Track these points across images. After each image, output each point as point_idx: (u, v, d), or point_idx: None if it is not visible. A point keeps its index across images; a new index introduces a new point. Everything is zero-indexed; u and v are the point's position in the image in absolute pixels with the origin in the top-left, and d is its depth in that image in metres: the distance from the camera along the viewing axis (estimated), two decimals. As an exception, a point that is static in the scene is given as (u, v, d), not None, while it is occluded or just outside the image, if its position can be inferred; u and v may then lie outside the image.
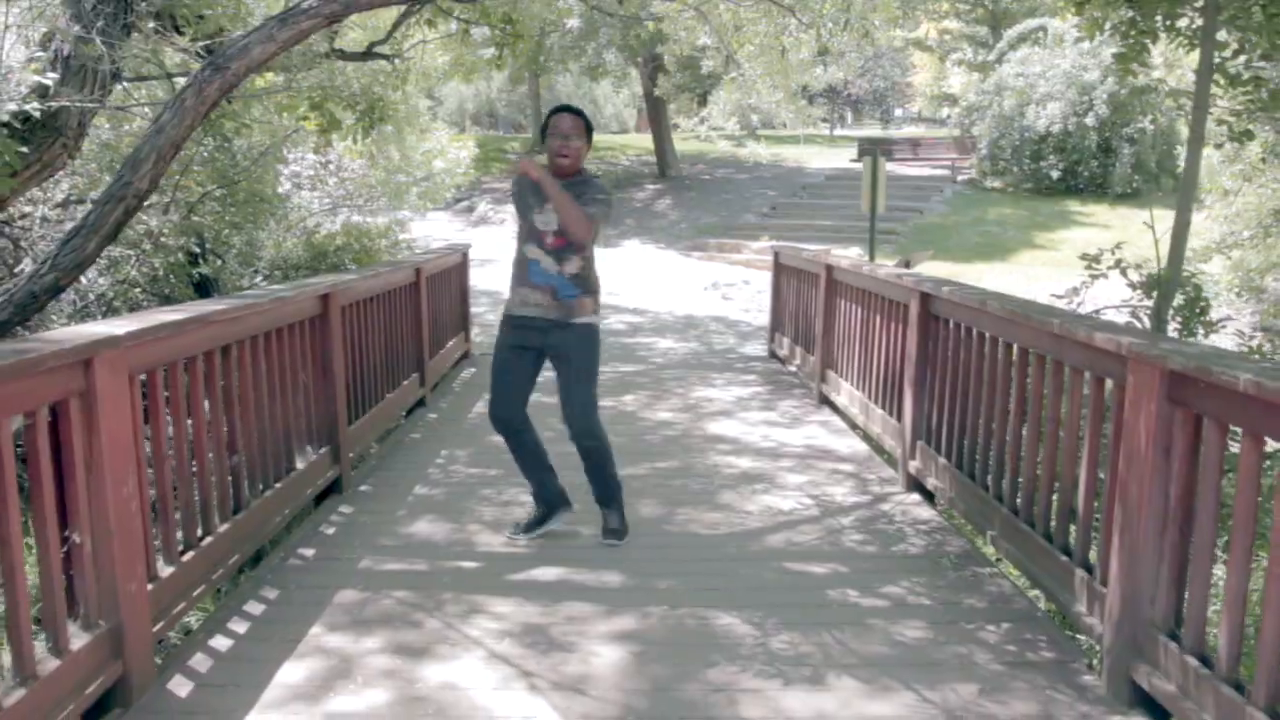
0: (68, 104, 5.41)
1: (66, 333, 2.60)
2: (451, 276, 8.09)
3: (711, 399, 7.04)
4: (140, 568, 2.72)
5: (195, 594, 3.11)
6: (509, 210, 22.69)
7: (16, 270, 7.04)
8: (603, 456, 3.99)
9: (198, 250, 8.10)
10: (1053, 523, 3.38)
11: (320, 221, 10.48)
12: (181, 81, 7.39)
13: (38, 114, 5.24)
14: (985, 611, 3.37)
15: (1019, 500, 3.64)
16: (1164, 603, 2.67)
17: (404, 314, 6.27)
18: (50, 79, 5.39)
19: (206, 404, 3.29)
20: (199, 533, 3.22)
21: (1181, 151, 11.13)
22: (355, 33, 9.90)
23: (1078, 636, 3.34)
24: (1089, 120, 21.06)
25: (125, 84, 6.61)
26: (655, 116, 25.57)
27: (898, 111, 52.67)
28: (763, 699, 2.75)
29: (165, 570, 2.95)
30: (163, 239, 7.58)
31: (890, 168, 19.54)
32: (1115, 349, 2.84)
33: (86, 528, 2.52)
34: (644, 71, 23.84)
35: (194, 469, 3.21)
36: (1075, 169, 21.95)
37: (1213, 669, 2.42)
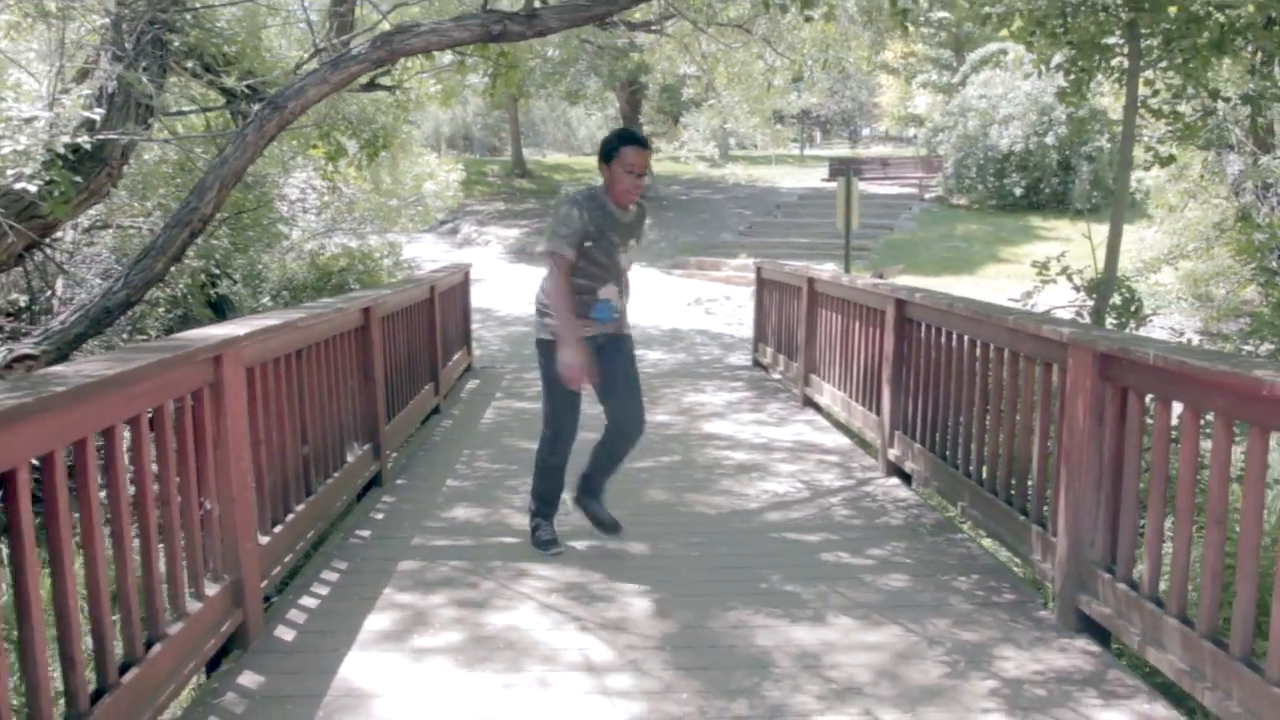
0: (115, 137, 5.93)
1: (198, 334, 3.13)
2: (457, 294, 8.63)
3: (703, 403, 7.61)
4: (253, 532, 3.24)
5: (286, 560, 3.63)
6: (493, 232, 23.27)
7: (54, 285, 7.51)
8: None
9: (216, 272, 8.58)
10: (1013, 490, 3.98)
11: (323, 244, 10.95)
12: (212, 114, 7.94)
13: (88, 146, 5.76)
14: (957, 566, 3.96)
15: (984, 473, 4.23)
16: (1101, 543, 3.26)
17: (422, 327, 6.80)
18: (97, 114, 5.92)
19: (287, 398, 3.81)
20: (284, 509, 3.74)
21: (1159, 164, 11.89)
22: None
23: (1035, 583, 3.92)
24: (1049, 139, 21.97)
25: (163, 117, 7.09)
26: (632, 139, 26.17)
27: (865, 131, 53.76)
28: (774, 633, 3.30)
29: (263, 539, 3.47)
30: (185, 261, 8.05)
31: (861, 186, 20.28)
32: (1058, 338, 3.44)
33: (214, 496, 3.04)
34: (621, 96, 24.53)
35: (281, 454, 3.73)
36: (1037, 186, 22.86)
37: (1139, 591, 3.01)
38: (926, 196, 25.59)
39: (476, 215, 24.36)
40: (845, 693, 2.89)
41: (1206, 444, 2.88)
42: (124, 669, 2.44)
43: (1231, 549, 2.66)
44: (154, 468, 2.70)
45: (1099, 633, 3.26)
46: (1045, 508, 3.69)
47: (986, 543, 4.47)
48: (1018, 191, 22.91)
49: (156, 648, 2.59)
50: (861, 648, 3.20)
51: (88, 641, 2.39)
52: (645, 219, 4.01)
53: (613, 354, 3.97)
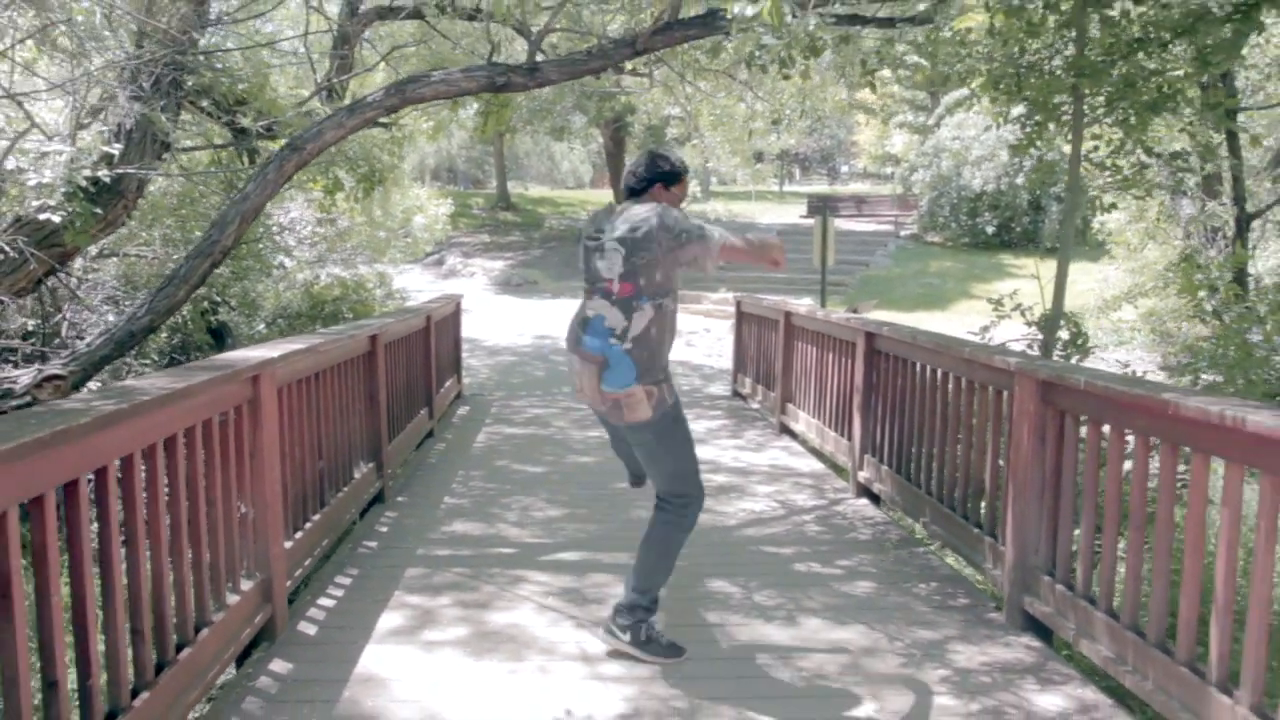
0: (133, 171, 6.29)
1: (237, 355, 3.48)
2: (449, 323, 8.98)
3: (685, 430, 7.97)
4: (281, 536, 3.58)
5: (305, 564, 3.96)
6: (478, 264, 23.64)
7: (62, 309, 7.81)
8: None
9: (217, 300, 8.91)
10: (968, 505, 4.36)
11: (316, 274, 11.31)
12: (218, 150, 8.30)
13: (107, 179, 6.11)
14: (917, 575, 4.33)
15: (944, 491, 4.62)
16: (1043, 550, 3.64)
17: (419, 355, 7.15)
18: (116, 148, 6.29)
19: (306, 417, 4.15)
20: (303, 518, 4.07)
21: (1115, 209, 12.45)
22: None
23: (990, 592, 4.30)
24: (1020, 180, 22.67)
25: (175, 152, 7.45)
26: (616, 173, 26.79)
27: (844, 168, 54.78)
28: (751, 629, 3.66)
29: (287, 544, 3.79)
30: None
31: (838, 223, 20.85)
32: (1006, 367, 3.85)
33: (250, 501, 3.38)
34: (606, 133, 25.10)
35: (301, 468, 4.06)
36: (1008, 225, 23.55)
37: (1074, 591, 3.40)
38: (902, 234, 26.25)
39: (462, 247, 24.76)
40: (816, 680, 3.25)
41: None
42: (178, 649, 2.77)
43: (1171, 553, 3.05)
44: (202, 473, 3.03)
45: (1042, 631, 3.63)
46: (996, 521, 4.08)
47: (950, 560, 4.85)
48: (990, 230, 23.59)
49: (204, 632, 2.92)
50: (829, 644, 3.56)
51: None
52: None
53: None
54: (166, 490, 2.72)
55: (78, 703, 2.25)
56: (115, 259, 8.61)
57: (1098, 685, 3.21)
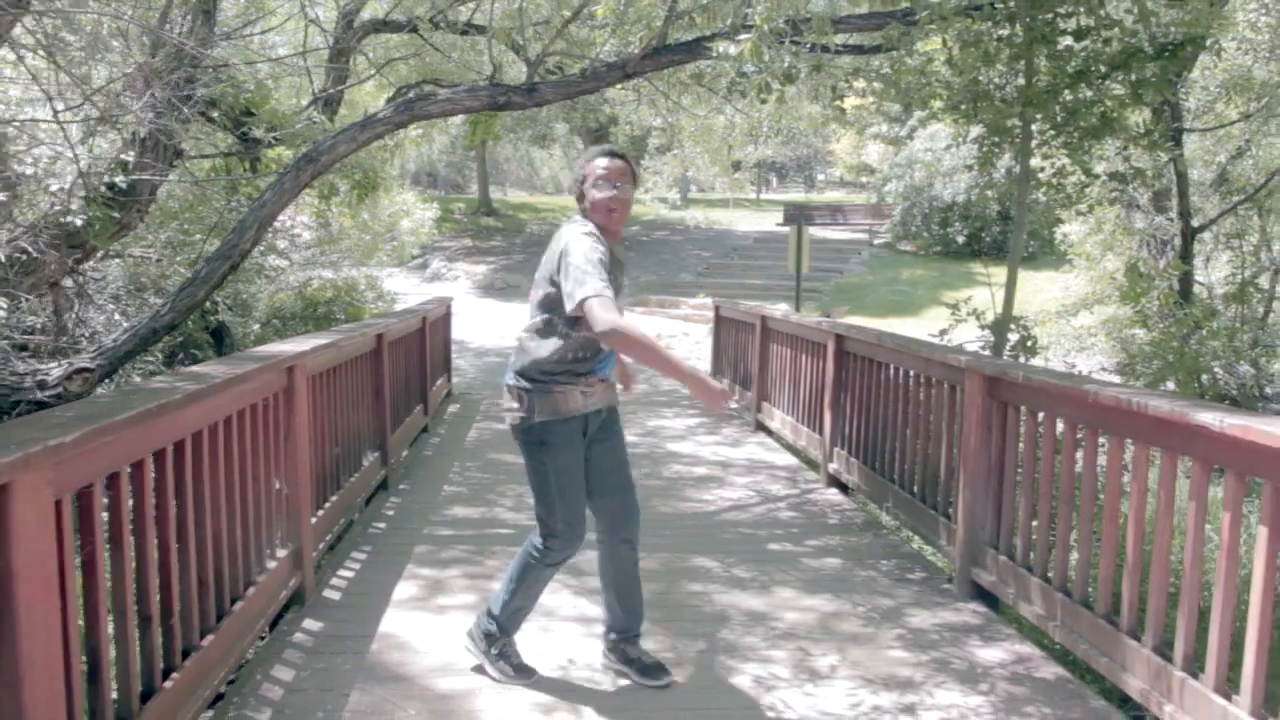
0: (147, 178, 6.66)
1: (274, 348, 3.88)
2: (441, 325, 9.38)
3: (665, 427, 8.43)
4: (309, 511, 3.98)
5: (327, 538, 4.36)
6: (461, 268, 23.98)
7: (73, 307, 8.14)
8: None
9: (216, 300, 9.24)
10: (926, 490, 4.83)
11: (308, 276, 11.66)
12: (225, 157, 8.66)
13: (123, 185, 6.48)
14: (881, 553, 4.79)
15: (905, 479, 5.08)
16: (989, 526, 4.11)
17: (415, 353, 7.55)
18: (130, 156, 6.65)
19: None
20: (324, 497, 4.47)
21: (1064, 224, 13.04)
22: (346, 110, 11.25)
23: (945, 570, 4.77)
24: (990, 192, 23.30)
25: (185, 160, 7.82)
26: (596, 181, 27.18)
27: (820, 176, 55.49)
28: (729, 597, 4.10)
29: (313, 519, 4.20)
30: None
31: (813, 231, 21.42)
32: (958, 364, 4.32)
33: (285, 479, 3.78)
34: (588, 141, 25.53)
35: (323, 452, 4.47)
36: (979, 234, 24.18)
37: (1015, 560, 3.86)
38: (875, 242, 26.86)
39: (445, 251, 25.11)
40: (785, 637, 3.69)
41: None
42: (232, 602, 3.17)
43: (1092, 522, 3.52)
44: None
45: (989, 599, 4.10)
46: (950, 503, 4.54)
47: (911, 542, 5.31)
48: (960, 239, 24.22)
49: (251, 589, 3.32)
50: (799, 609, 4.01)
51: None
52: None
53: (610, 432, 3.34)
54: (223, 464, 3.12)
55: (161, 639, 2.65)
56: (119, 260, 8.93)
57: (1034, 643, 3.68)
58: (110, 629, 2.38)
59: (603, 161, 3.10)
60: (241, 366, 3.19)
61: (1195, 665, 2.81)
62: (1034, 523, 3.79)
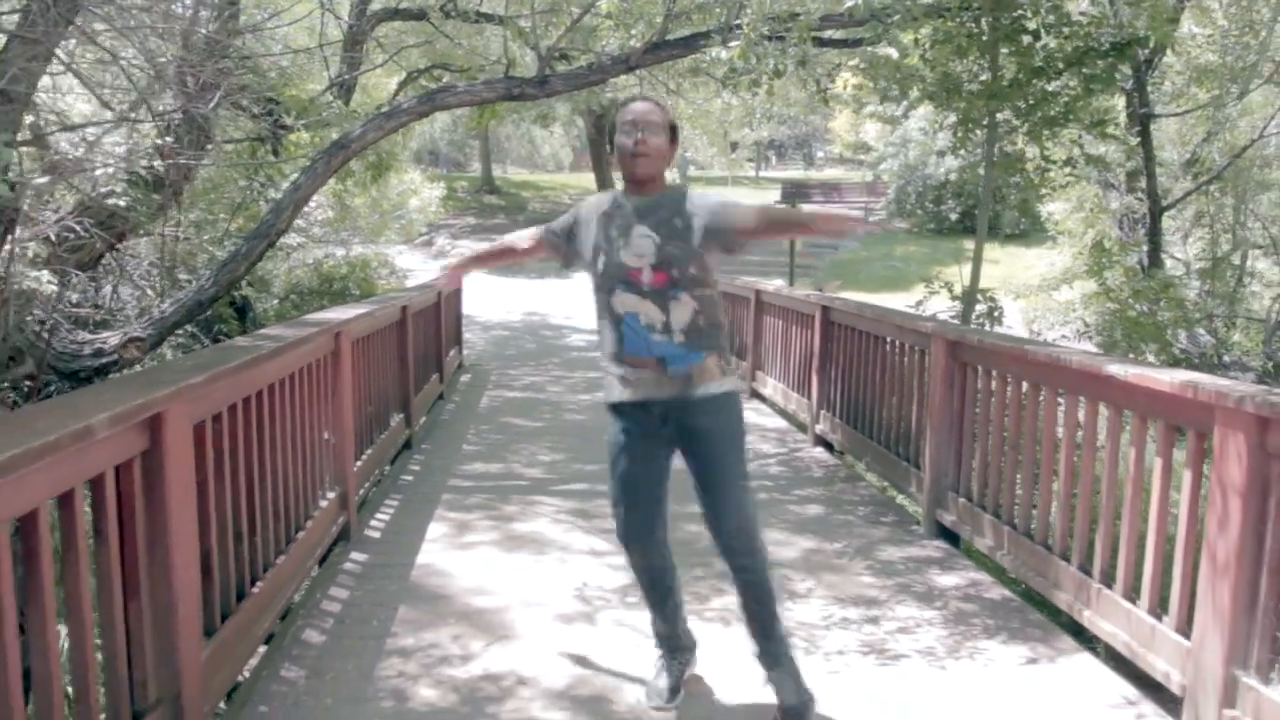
0: (183, 161, 7.17)
1: (320, 317, 4.42)
2: (454, 299, 9.91)
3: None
4: (352, 459, 4.53)
5: (365, 485, 4.91)
6: (466, 245, 24.41)
7: (112, 280, 8.67)
8: (766, 583, 2.97)
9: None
10: (899, 444, 5.38)
11: (326, 254, 12.17)
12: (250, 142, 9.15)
13: (160, 169, 7.00)
14: (858, 502, 5.35)
15: (882, 435, 5.63)
16: (951, 473, 4.66)
17: (432, 325, 8.09)
18: (166, 141, 7.16)
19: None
20: (362, 449, 5.02)
21: (1050, 205, 13.53)
22: (360, 94, 11.72)
23: (915, 517, 5.33)
24: (964, 174, 23.75)
25: (216, 144, 8.31)
26: (598, 159, 27.68)
27: (819, 154, 55.80)
28: (723, 535, 4.66)
29: (355, 467, 4.74)
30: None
31: (811, 209, 21.88)
32: (926, 330, 4.86)
33: (333, 430, 4.33)
34: (589, 121, 25.97)
35: (360, 409, 5.01)
36: (972, 211, 24.60)
37: (972, 501, 4.42)
38: (871, 219, 27.34)
39: (449, 229, 25.59)
40: (770, 567, 4.23)
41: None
42: (297, 531, 3.73)
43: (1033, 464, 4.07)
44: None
45: (951, 537, 4.65)
46: (919, 454, 5.09)
47: (886, 491, 5.87)
48: (953, 216, 24.72)
49: (310, 522, 3.88)
50: (784, 545, 4.57)
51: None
52: (686, 203, 2.88)
53: (697, 435, 2.98)
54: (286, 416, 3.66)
55: (248, 553, 3.20)
56: (147, 239, 9.44)
57: (987, 571, 4.24)
58: (214, 540, 2.93)
59: (628, 107, 2.83)
60: (304, 330, 3.74)
61: (1108, 578, 3.36)
62: (987, 466, 4.34)
